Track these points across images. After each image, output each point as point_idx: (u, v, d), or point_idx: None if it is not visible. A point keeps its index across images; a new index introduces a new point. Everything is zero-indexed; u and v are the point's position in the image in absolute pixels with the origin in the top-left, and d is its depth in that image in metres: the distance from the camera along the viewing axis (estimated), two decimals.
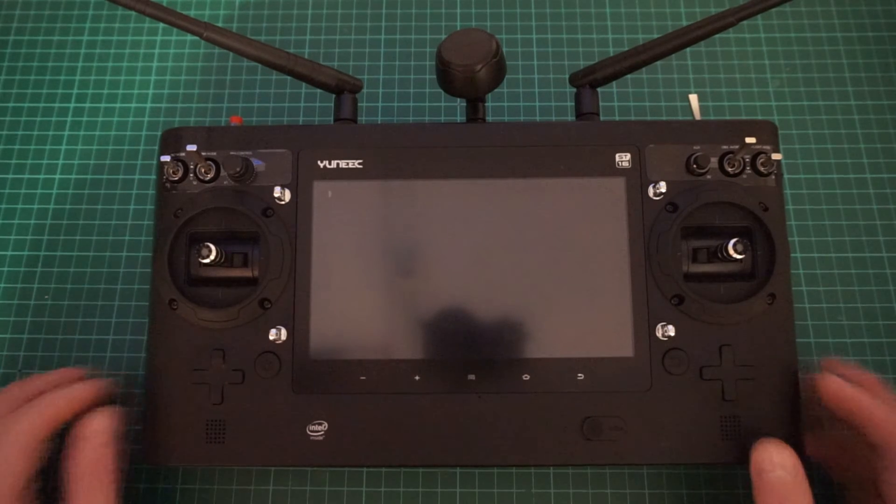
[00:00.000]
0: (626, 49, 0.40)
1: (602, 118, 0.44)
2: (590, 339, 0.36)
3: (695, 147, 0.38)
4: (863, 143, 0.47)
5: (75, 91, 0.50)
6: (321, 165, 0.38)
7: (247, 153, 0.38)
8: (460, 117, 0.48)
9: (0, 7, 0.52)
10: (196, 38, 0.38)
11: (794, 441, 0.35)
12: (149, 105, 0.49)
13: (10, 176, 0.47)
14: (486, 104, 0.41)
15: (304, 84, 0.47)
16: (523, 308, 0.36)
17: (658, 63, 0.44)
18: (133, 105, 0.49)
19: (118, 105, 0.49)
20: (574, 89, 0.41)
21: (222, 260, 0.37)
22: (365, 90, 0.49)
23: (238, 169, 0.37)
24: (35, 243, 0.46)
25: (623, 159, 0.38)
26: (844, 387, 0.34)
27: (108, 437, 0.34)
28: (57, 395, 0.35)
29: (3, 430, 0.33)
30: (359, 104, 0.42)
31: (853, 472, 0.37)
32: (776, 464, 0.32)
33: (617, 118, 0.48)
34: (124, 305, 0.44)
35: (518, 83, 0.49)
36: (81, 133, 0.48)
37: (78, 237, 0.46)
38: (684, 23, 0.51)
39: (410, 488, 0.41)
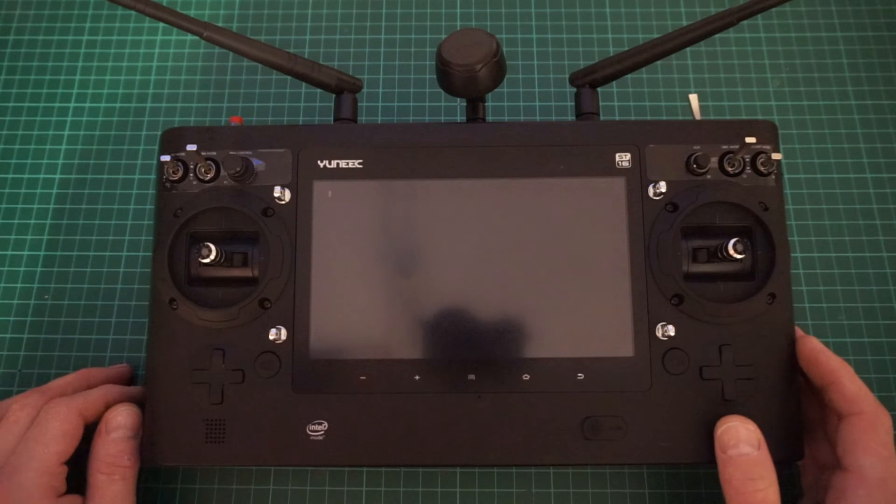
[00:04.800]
0: (626, 49, 0.40)
1: (602, 118, 0.44)
2: (590, 339, 0.36)
3: (695, 147, 0.38)
4: (863, 143, 0.47)
5: (75, 91, 0.50)
6: (321, 165, 0.38)
7: (247, 153, 0.38)
8: (460, 117, 0.48)
9: (0, 7, 0.52)
10: (196, 38, 0.38)
11: (795, 440, 0.35)
12: (149, 105, 0.49)
13: (10, 176, 0.47)
14: (486, 104, 0.41)
15: (304, 84, 0.47)
16: (523, 308, 0.36)
17: (658, 63, 0.44)
18: (133, 105, 0.49)
19: (118, 105, 0.49)
20: (574, 89, 0.41)
21: (222, 260, 0.37)
22: (365, 90, 0.49)
23: (238, 169, 0.37)
24: (35, 243, 0.46)
25: (623, 159, 0.38)
26: (821, 347, 0.36)
27: (130, 432, 0.36)
28: (112, 389, 0.38)
29: (58, 410, 0.35)
30: (359, 104, 0.42)
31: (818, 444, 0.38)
32: (741, 440, 0.33)
33: (617, 118, 0.48)
34: (124, 305, 0.44)
35: (518, 83, 0.49)
36: (81, 133, 0.48)
37: (78, 237, 0.46)
38: (684, 23, 0.51)
39: (410, 488, 0.41)
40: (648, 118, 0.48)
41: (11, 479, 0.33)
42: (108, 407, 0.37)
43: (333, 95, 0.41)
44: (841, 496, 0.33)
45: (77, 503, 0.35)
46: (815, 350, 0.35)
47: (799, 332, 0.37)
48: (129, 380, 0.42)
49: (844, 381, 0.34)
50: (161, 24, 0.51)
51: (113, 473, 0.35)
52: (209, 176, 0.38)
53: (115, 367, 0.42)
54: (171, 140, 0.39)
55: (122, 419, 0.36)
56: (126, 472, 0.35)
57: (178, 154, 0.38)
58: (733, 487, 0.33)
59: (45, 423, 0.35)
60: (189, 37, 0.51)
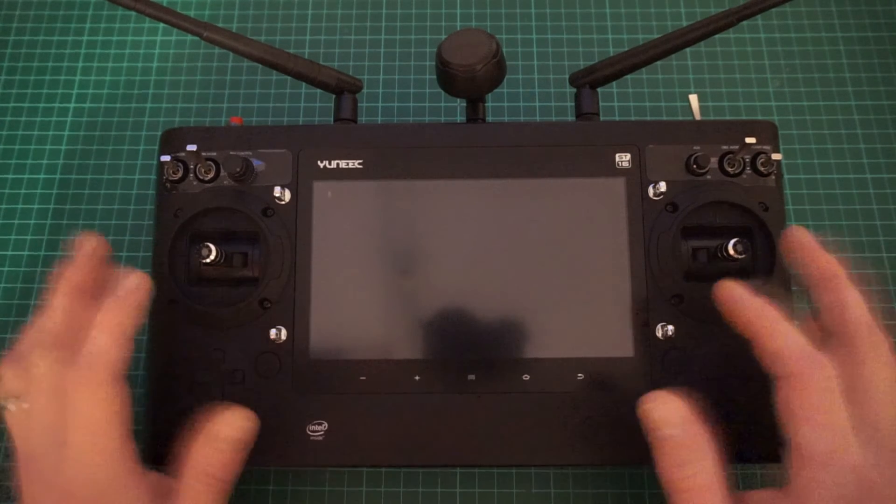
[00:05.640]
0: (626, 49, 0.40)
1: (602, 118, 0.44)
2: (590, 339, 0.36)
3: (695, 147, 0.38)
4: (863, 143, 0.47)
5: (75, 91, 0.50)
6: (321, 165, 0.38)
7: (247, 153, 0.38)
8: (460, 117, 0.48)
9: (0, 7, 0.52)
10: (196, 38, 0.39)
11: None
12: (149, 105, 0.49)
13: (11, 176, 0.47)
14: (486, 104, 0.41)
15: (304, 84, 0.47)
16: (523, 308, 0.36)
17: (658, 63, 0.44)
18: (133, 105, 0.49)
19: (118, 105, 0.49)
20: (574, 89, 0.41)
21: (222, 260, 0.37)
22: (365, 90, 0.49)
23: (238, 169, 0.37)
24: (35, 243, 0.46)
25: (623, 159, 0.38)
26: (745, 295, 0.31)
27: (240, 444, 0.32)
28: (123, 294, 0.32)
29: (86, 388, 0.30)
30: (359, 104, 0.42)
31: None
32: (664, 420, 0.29)
33: (617, 118, 0.48)
34: None
35: (518, 83, 0.49)
36: (82, 133, 0.48)
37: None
38: (684, 23, 0.51)
39: (410, 488, 0.41)
40: (648, 118, 0.48)
41: (79, 477, 0.29)
42: (135, 320, 0.31)
43: (333, 95, 0.41)
44: (790, 480, 0.28)
45: (156, 484, 0.31)
46: (732, 296, 0.31)
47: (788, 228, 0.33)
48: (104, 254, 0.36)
49: (764, 335, 0.29)
50: (161, 25, 0.51)
51: (209, 485, 0.31)
52: (209, 176, 0.38)
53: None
54: (171, 140, 0.39)
55: (232, 432, 0.31)
56: (222, 486, 0.31)
57: (178, 154, 0.38)
58: (663, 474, 0.29)
59: (86, 410, 0.29)
60: (189, 37, 0.51)
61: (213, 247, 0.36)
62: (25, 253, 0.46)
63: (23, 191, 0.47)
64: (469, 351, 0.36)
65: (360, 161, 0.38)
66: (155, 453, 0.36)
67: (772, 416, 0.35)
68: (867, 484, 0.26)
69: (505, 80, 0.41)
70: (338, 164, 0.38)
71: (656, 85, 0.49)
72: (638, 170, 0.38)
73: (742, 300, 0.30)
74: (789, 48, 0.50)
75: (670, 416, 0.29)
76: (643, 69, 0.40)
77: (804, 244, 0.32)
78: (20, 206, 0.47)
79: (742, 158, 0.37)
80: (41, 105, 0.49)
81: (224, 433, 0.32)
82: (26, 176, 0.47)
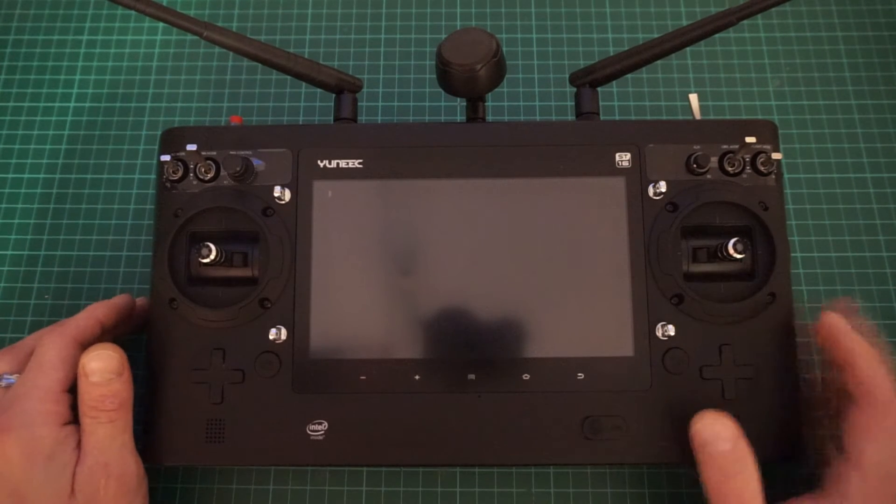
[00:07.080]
0: (626, 49, 0.40)
1: (602, 118, 0.44)
2: (590, 339, 0.36)
3: (695, 147, 0.38)
4: (863, 143, 0.47)
5: (75, 91, 0.50)
6: (321, 165, 0.38)
7: (247, 153, 0.38)
8: (460, 117, 0.48)
9: (0, 7, 0.52)
10: (196, 37, 0.39)
11: (794, 440, 0.35)
12: (149, 105, 0.49)
13: (10, 175, 0.47)
14: (486, 104, 0.41)
15: (304, 84, 0.47)
16: (523, 308, 0.36)
17: (658, 63, 0.44)
18: (133, 105, 0.49)
19: (118, 105, 0.49)
20: (574, 89, 0.41)
21: (222, 259, 0.37)
22: (365, 90, 0.49)
23: (238, 168, 0.37)
24: (35, 243, 0.46)
25: (623, 159, 0.38)
26: (842, 324, 0.34)
27: (110, 374, 0.34)
28: (98, 307, 0.38)
29: (52, 339, 0.35)
30: (359, 104, 0.42)
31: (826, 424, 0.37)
32: (717, 435, 0.33)
33: (617, 118, 0.48)
34: None
35: (518, 83, 0.49)
36: (82, 133, 0.48)
37: (78, 237, 0.46)
38: (684, 23, 0.50)
39: (410, 488, 0.41)
40: (648, 118, 0.48)
41: (14, 406, 0.33)
42: (102, 326, 0.37)
43: (333, 95, 0.41)
44: (837, 480, 0.32)
45: (75, 433, 0.34)
46: (833, 328, 0.34)
47: (824, 311, 0.36)
48: (131, 306, 0.40)
49: (859, 363, 0.33)
50: (161, 24, 0.51)
51: (97, 417, 0.34)
52: (209, 176, 0.38)
53: (115, 297, 0.40)
54: (171, 140, 0.39)
55: (95, 365, 0.34)
56: (112, 416, 0.34)
57: (178, 154, 0.38)
58: (712, 485, 0.32)
59: (42, 354, 0.35)
60: (189, 36, 0.51)
61: (213, 246, 0.36)
62: (25, 252, 0.46)
63: (23, 191, 0.47)
64: (469, 350, 0.36)
65: (360, 160, 0.38)
66: (154, 452, 0.36)
67: (770, 417, 0.35)
68: None
69: (505, 80, 0.41)
70: (338, 164, 0.38)
71: (656, 85, 0.49)
72: (638, 169, 0.38)
73: (849, 333, 0.34)
74: (789, 48, 0.50)
75: (724, 433, 0.33)
76: (643, 69, 0.40)
77: (837, 329, 0.35)
78: (20, 205, 0.47)
79: (742, 158, 0.37)
80: (41, 104, 0.49)
81: (89, 367, 0.34)
82: (26, 176, 0.47)
